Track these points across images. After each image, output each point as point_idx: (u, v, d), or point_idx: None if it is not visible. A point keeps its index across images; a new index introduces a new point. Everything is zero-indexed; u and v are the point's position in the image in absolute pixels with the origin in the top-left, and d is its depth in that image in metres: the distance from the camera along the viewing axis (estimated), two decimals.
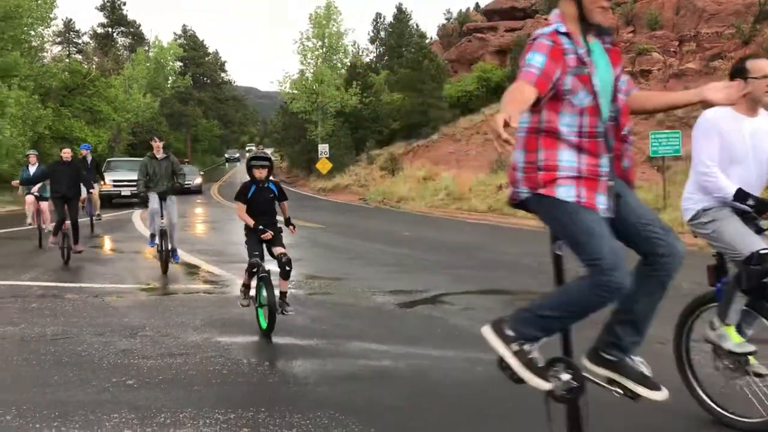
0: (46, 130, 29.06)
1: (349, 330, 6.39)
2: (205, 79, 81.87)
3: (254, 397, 4.39)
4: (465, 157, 30.34)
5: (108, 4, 72.12)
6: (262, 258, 6.17)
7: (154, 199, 9.66)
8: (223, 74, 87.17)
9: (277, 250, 6.20)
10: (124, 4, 73.51)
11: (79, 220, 11.75)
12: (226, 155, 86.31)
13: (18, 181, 13.05)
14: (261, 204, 6.25)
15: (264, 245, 6.26)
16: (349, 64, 45.69)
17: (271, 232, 6.17)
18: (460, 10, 61.81)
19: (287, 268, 6.14)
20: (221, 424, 4.00)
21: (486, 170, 26.50)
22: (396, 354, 5.54)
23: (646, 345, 4.11)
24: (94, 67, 45.98)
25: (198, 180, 35.07)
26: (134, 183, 20.87)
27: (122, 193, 25.46)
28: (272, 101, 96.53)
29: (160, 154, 9.88)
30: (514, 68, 36.39)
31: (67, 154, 11.33)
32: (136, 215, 19.64)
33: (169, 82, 62.64)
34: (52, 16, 28.86)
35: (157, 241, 9.79)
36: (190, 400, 4.39)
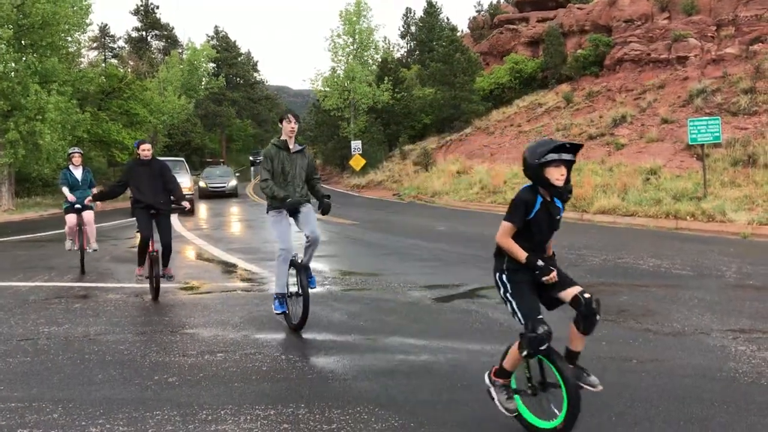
0: (84, 134, 29.62)
1: (386, 325, 6.37)
2: (237, 79, 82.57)
3: (294, 393, 4.41)
4: (499, 150, 30.07)
5: (142, 8, 73.24)
6: None
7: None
8: (255, 74, 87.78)
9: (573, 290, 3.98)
10: (158, 7, 74.61)
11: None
12: (251, 157, 67.91)
13: (67, 190, 10.23)
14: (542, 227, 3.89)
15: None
16: (380, 60, 45.63)
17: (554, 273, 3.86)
18: (491, 2, 61.30)
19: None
20: (261, 420, 4.02)
21: (520, 162, 26.23)
22: (434, 348, 5.52)
23: (690, 334, 3.93)
24: (129, 70, 46.74)
25: (233, 182, 32.92)
26: None
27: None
28: (305, 99, 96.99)
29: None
30: (547, 59, 35.99)
31: (146, 150, 8.21)
32: (175, 217, 19.90)
33: (203, 83, 63.34)
34: (87, 21, 29.33)
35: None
36: (231, 397, 4.43)
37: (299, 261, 6.26)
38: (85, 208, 10.30)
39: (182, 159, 23.69)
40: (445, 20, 61.61)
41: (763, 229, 13.20)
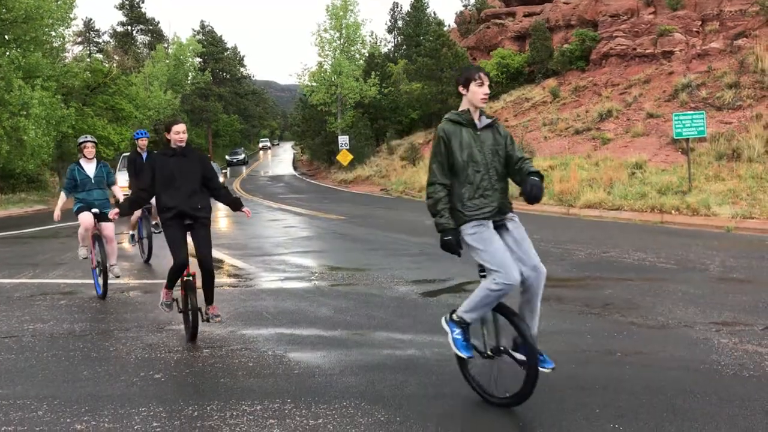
0: (69, 129, 29.38)
1: (373, 320, 6.39)
2: (224, 74, 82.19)
3: (280, 389, 4.41)
4: None
5: (127, 2, 72.65)
6: None
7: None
8: (242, 69, 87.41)
9: None
10: (143, 2, 74.01)
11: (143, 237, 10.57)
12: (228, 157, 67.61)
13: (62, 198, 8.19)
14: None
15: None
16: (367, 54, 45.55)
17: None
18: None
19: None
20: (248, 415, 4.02)
21: None
22: (421, 343, 5.54)
23: (674, 327, 4.01)
24: (114, 65, 46.38)
25: (220, 180, 31.74)
26: None
27: None
28: (291, 94, 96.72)
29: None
30: (533, 53, 36.07)
31: (180, 135, 5.82)
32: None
33: (189, 78, 62.97)
34: (72, 16, 29.04)
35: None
36: (217, 393, 4.43)
37: (522, 324, 3.91)
38: (102, 217, 7.95)
39: None
40: (432, 15, 61.58)
41: (747, 223, 13.33)
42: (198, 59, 68.73)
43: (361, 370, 4.86)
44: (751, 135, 18.64)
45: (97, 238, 8.00)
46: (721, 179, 16.92)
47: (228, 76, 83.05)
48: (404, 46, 58.84)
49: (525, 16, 40.63)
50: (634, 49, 29.46)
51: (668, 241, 11.69)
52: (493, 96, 37.22)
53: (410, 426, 3.82)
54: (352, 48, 44.58)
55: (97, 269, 7.95)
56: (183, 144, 5.80)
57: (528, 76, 36.68)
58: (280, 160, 68.05)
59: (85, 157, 8.15)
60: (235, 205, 6.08)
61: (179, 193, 5.68)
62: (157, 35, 74.07)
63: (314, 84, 43.34)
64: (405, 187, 28.07)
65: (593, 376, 4.63)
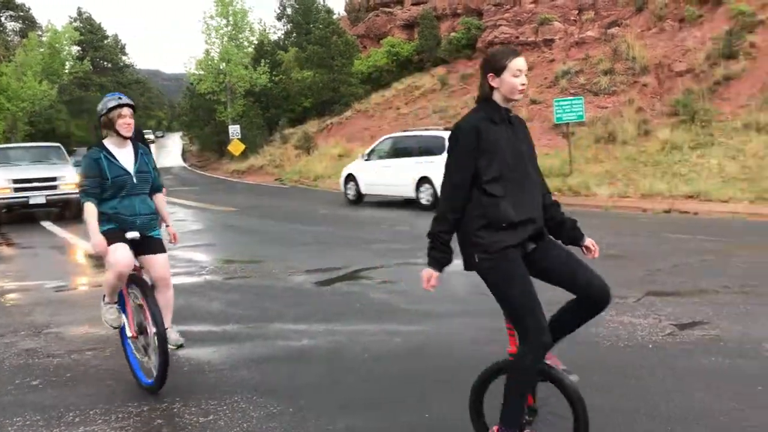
0: None
1: (266, 312, 6.30)
2: (105, 63, 78.34)
3: (168, 387, 4.27)
4: (379, 132, 30.34)
5: None
6: None
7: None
8: (124, 57, 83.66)
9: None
10: None
11: None
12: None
13: (93, 212, 4.35)
14: None
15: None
16: (256, 42, 44.69)
17: None
18: None
19: None
20: (134, 417, 3.87)
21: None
22: (315, 332, 5.52)
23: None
24: None
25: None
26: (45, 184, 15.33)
27: (30, 201, 15.57)
28: (178, 83, 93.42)
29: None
30: (422, 42, 36.61)
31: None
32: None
33: (67, 67, 59.52)
34: None
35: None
36: (101, 396, 4.24)
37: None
38: (151, 244, 4.56)
39: (59, 145, 18.64)
40: (322, 2, 61.17)
41: (623, 201, 14.16)
42: (76, 47, 65.09)
43: (254, 363, 4.79)
44: (625, 119, 19.75)
45: (137, 281, 4.44)
46: (599, 161, 17.86)
47: (109, 65, 79.23)
48: (294, 34, 58.15)
49: (413, 4, 41.12)
50: (517, 37, 30.47)
51: None
52: (384, 84, 37.53)
53: (303, 416, 3.80)
54: (240, 35, 43.60)
55: (140, 340, 4.45)
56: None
57: (417, 64, 37.19)
58: (168, 151, 65.71)
59: (117, 134, 4.47)
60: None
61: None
62: (29, 22, 69.40)
63: (201, 72, 42.10)
64: (300, 176, 27.87)
65: (487, 353, 4.77)
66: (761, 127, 16.41)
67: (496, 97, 3.04)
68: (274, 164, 33.35)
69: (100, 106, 4.49)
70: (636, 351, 4.73)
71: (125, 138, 4.49)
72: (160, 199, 4.80)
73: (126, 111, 4.47)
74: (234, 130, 36.14)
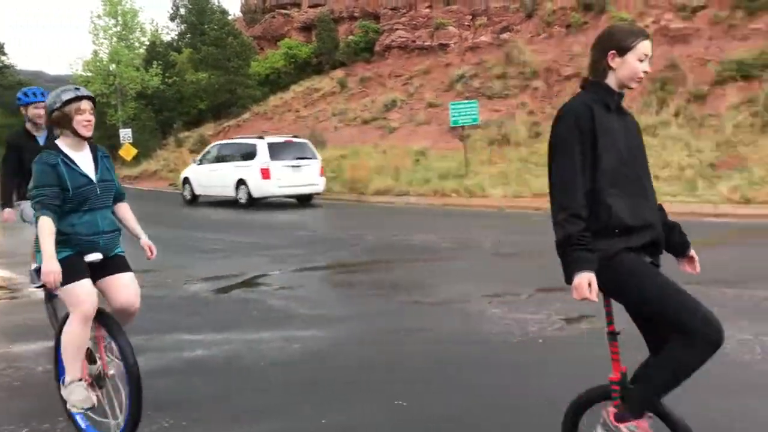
0: None
1: (160, 323, 6.07)
2: None
3: (52, 408, 4.03)
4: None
5: None
6: None
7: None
8: (3, 58, 78.77)
9: None
10: None
11: None
12: None
13: (48, 227, 3.43)
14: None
15: None
16: (147, 42, 43.18)
17: None
18: None
19: None
20: None
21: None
22: (210, 342, 5.38)
23: (453, 302, 4.20)
24: None
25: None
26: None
27: None
28: (63, 85, 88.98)
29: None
30: (320, 44, 36.57)
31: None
32: None
33: None
34: None
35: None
36: None
37: None
38: (114, 263, 3.80)
39: None
40: (216, 3, 59.88)
41: (516, 201, 14.66)
42: None
43: (146, 376, 4.58)
44: (517, 122, 20.48)
45: (97, 317, 3.60)
46: (494, 163, 18.43)
47: None
48: (188, 35, 56.62)
49: (310, 6, 40.98)
50: (414, 41, 30.99)
51: (450, 222, 12.51)
52: (282, 86, 37.18)
53: (195, 430, 3.69)
54: (131, 36, 42.01)
55: (101, 398, 3.69)
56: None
57: (316, 66, 37.09)
58: None
59: (75, 133, 3.62)
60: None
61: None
62: None
63: (89, 74, 40.26)
64: None
65: (380, 356, 4.81)
66: (642, 128, 17.37)
67: (610, 80, 2.59)
68: (168, 169, 32.31)
69: (50, 100, 3.65)
70: (528, 346, 4.90)
71: (84, 138, 3.64)
72: (126, 210, 4.04)
73: (86, 105, 3.62)
74: (125, 133, 34.72)
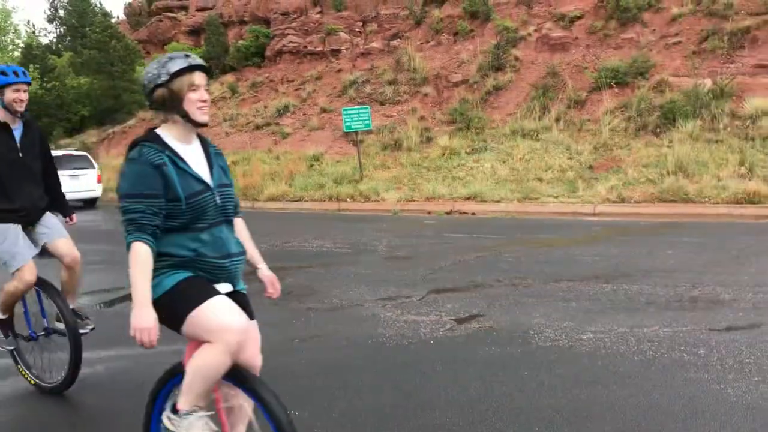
0: None
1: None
2: None
3: None
4: None
5: None
6: None
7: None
8: None
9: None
10: None
11: None
12: None
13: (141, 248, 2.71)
14: None
15: None
16: (23, 45, 40.76)
17: None
18: None
19: None
20: None
21: None
22: (93, 360, 5.13)
23: (347, 308, 4.17)
24: None
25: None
26: None
27: None
28: None
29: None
30: (209, 49, 35.78)
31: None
32: None
33: None
34: None
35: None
36: None
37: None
38: (238, 303, 2.74)
39: None
40: (98, 5, 57.39)
41: (409, 205, 14.91)
42: None
43: (17, 401, 4.34)
44: (408, 127, 20.83)
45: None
46: (387, 167, 18.65)
47: None
48: (68, 38, 53.96)
49: (198, 10, 40.03)
50: (305, 46, 30.89)
51: (344, 227, 12.54)
52: None
53: None
54: (4, 38, 39.58)
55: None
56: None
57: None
58: None
59: (187, 118, 2.70)
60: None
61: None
62: None
63: None
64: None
65: (273, 366, 4.74)
66: (526, 133, 18.16)
67: None
68: None
69: (151, 71, 2.66)
70: (419, 347, 4.99)
71: (199, 126, 2.70)
72: (242, 227, 3.01)
73: (200, 78, 2.68)
74: None
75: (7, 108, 4.23)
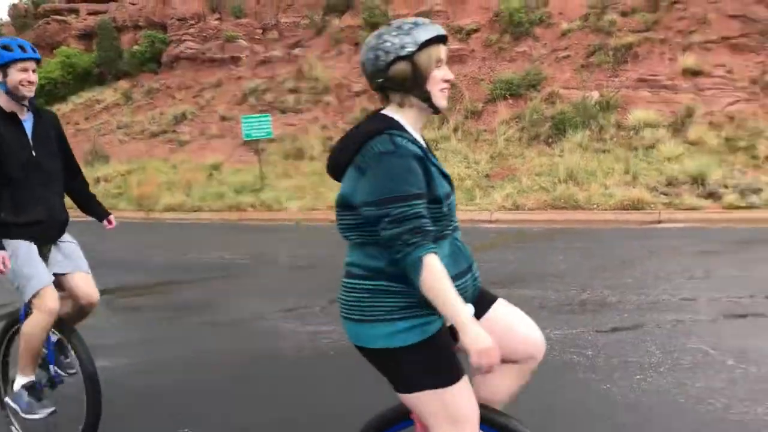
0: None
1: None
2: None
3: None
4: None
5: None
6: None
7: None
8: None
9: None
10: None
11: None
12: None
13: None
14: None
15: None
16: None
17: None
18: None
19: None
20: None
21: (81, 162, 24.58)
22: None
23: (247, 321, 4.10)
24: None
25: None
26: None
27: None
28: None
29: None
30: (101, 54, 34.37)
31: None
32: None
33: None
34: None
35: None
36: None
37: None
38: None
39: None
40: None
41: (312, 214, 14.83)
42: None
43: None
44: (310, 136, 20.77)
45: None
46: (289, 176, 18.49)
47: None
48: None
49: (90, 14, 38.42)
50: (204, 53, 30.22)
51: (245, 237, 12.33)
52: (60, 97, 34.36)
53: None
54: None
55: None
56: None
57: (98, 77, 34.80)
58: None
59: (429, 102, 2.21)
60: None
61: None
62: None
63: None
64: None
65: (166, 383, 4.59)
66: (430, 141, 18.48)
67: None
68: None
69: (394, 38, 2.11)
70: (318, 359, 4.95)
71: (437, 111, 2.26)
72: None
73: (444, 52, 2.19)
74: None
75: (12, 93, 3.34)
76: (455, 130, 18.65)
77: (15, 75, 3.30)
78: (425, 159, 2.09)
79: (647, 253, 8.66)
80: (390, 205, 1.96)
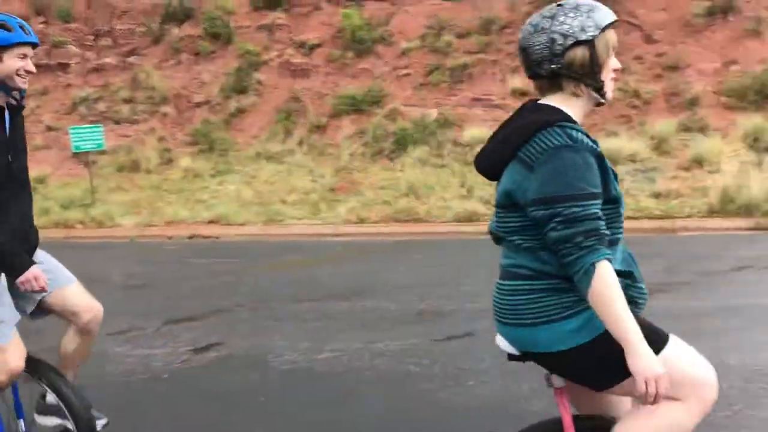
0: None
1: None
2: None
3: None
4: None
5: None
6: None
7: None
8: None
9: None
10: None
11: None
12: None
13: None
14: None
15: None
16: None
17: None
18: None
19: None
20: None
21: None
22: None
23: None
24: None
25: None
26: None
27: None
28: None
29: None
30: None
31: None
32: None
33: None
34: None
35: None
36: None
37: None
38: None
39: None
40: None
41: (148, 230, 14.15)
42: None
43: None
44: (147, 148, 19.86)
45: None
46: (124, 190, 17.55)
47: None
48: None
49: None
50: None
51: (73, 256, 11.38)
52: None
53: None
54: None
55: None
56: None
57: None
58: None
59: (600, 92, 2.04)
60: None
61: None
62: None
63: None
64: None
65: None
66: (270, 155, 18.31)
67: None
68: None
69: (572, 21, 1.92)
70: (150, 383, 4.69)
71: (602, 104, 2.05)
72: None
73: (615, 38, 2.07)
74: None
75: (3, 83, 2.77)
76: (300, 143, 18.66)
77: (12, 62, 2.75)
78: (602, 155, 1.91)
79: (482, 263, 9.10)
80: (562, 204, 1.81)
